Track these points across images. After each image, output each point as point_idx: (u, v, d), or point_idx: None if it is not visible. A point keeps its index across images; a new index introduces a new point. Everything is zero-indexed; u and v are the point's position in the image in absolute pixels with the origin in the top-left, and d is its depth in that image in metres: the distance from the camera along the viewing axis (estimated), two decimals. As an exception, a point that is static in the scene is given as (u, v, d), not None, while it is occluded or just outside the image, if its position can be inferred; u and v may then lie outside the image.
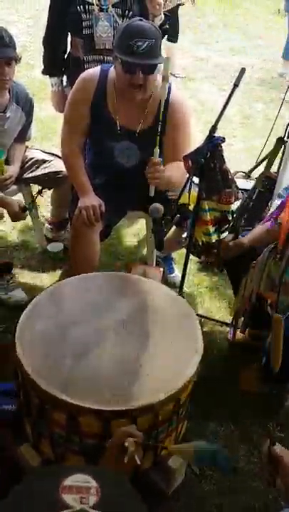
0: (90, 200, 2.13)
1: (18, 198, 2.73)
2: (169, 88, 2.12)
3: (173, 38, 5.06)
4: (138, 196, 2.13)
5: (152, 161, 2.00)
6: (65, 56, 2.59)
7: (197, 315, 1.79)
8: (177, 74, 5.36)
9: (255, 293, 1.97)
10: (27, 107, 2.45)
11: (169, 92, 2.11)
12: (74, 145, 2.23)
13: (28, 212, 2.43)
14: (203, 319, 2.36)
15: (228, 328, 2.38)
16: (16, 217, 2.35)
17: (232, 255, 2.13)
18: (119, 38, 1.95)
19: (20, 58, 2.25)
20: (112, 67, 2.07)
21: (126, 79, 1.98)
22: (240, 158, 3.90)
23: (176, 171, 2.08)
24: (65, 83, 2.66)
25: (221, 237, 2.21)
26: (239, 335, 2.29)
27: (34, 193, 2.53)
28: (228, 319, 2.43)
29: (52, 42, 2.56)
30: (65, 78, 2.65)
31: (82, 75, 2.18)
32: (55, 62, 2.61)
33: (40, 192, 2.47)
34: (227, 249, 2.13)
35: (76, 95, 2.18)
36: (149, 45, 1.90)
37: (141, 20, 1.97)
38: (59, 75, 2.63)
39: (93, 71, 2.16)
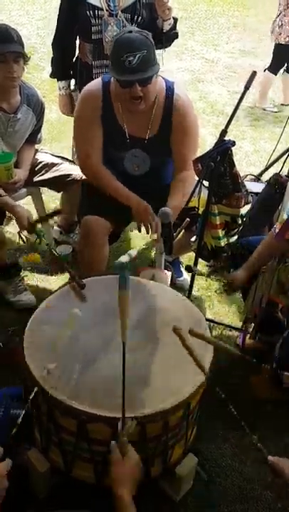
0: (141, 205, 2.07)
1: (27, 200, 2.74)
2: (173, 89, 2.10)
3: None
4: (147, 201, 2.12)
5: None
6: (73, 60, 2.59)
7: (206, 319, 1.78)
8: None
9: (265, 298, 1.95)
10: (38, 109, 2.45)
11: (172, 94, 2.09)
12: (98, 162, 2.16)
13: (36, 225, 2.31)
14: (212, 324, 2.34)
15: (237, 333, 2.36)
16: (23, 229, 2.32)
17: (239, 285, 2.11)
18: (111, 54, 1.93)
19: (29, 58, 2.24)
20: (112, 77, 2.04)
21: (125, 93, 1.96)
22: (250, 161, 3.88)
23: (179, 198, 2.06)
24: (72, 87, 2.66)
25: (230, 241, 2.19)
26: (249, 340, 2.27)
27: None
28: (238, 324, 2.41)
29: (61, 46, 2.56)
30: (73, 82, 2.65)
31: (85, 92, 2.15)
32: (63, 66, 2.61)
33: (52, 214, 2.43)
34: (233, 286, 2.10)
35: (85, 114, 2.14)
36: (141, 57, 1.86)
37: (130, 32, 1.91)
38: (67, 78, 2.64)
39: (95, 86, 2.12)
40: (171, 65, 5.43)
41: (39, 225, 2.27)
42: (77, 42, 2.54)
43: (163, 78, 2.12)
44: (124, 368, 1.26)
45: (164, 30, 2.39)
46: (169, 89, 2.10)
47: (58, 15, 2.50)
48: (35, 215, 2.69)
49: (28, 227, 2.18)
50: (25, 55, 2.19)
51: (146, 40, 1.90)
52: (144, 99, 1.98)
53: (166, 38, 2.44)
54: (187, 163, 2.09)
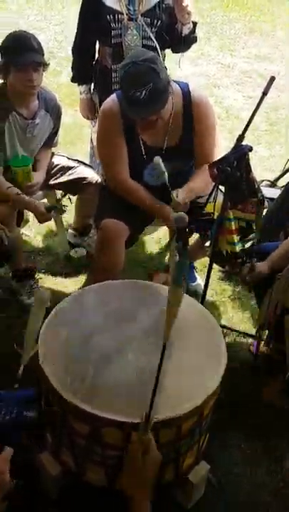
0: (168, 213, 2.09)
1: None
2: (188, 92, 2.11)
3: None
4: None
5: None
6: (93, 64, 2.61)
7: (220, 325, 1.76)
8: None
9: (280, 305, 1.93)
10: (55, 113, 2.47)
11: (190, 98, 2.10)
12: (127, 177, 2.17)
13: (53, 213, 2.38)
14: (226, 330, 2.32)
15: (250, 340, 2.34)
16: (42, 218, 2.33)
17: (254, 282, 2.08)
18: (120, 83, 1.97)
19: (48, 64, 2.25)
20: None
21: (140, 122, 2.00)
22: (266, 166, 3.86)
23: (199, 182, 2.08)
24: (92, 90, 2.67)
25: (246, 247, 2.18)
26: (263, 348, 2.24)
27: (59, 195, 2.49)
28: (251, 330, 2.39)
29: (81, 50, 2.58)
30: (92, 85, 2.66)
31: (103, 109, 2.17)
32: (84, 70, 2.63)
33: (65, 195, 2.44)
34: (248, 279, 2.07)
35: (107, 131, 2.15)
36: (148, 90, 1.87)
37: (134, 63, 1.89)
38: (88, 82, 2.65)
39: (111, 103, 2.13)
40: (187, 70, 5.43)
41: (53, 228, 2.29)
42: (97, 46, 2.55)
43: (177, 83, 2.13)
44: (161, 368, 1.23)
45: (183, 35, 2.40)
46: (185, 94, 2.11)
47: (78, 19, 2.52)
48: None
49: (46, 211, 2.27)
50: (45, 63, 2.20)
51: (152, 70, 1.88)
52: (159, 120, 2.01)
53: (185, 42, 2.44)
54: (209, 157, 2.11)
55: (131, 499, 1.16)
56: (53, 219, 2.67)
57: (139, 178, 2.17)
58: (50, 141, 2.54)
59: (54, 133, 2.53)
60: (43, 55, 2.21)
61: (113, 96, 2.15)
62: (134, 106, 1.92)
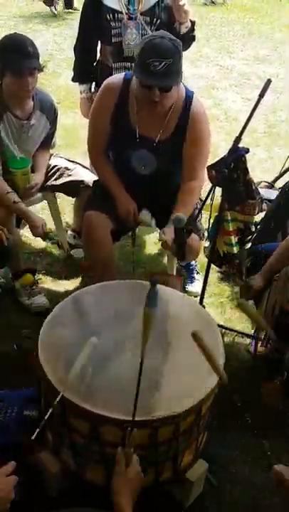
0: (125, 204, 2.20)
1: (43, 205, 2.78)
2: (191, 99, 2.13)
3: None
4: (155, 201, 2.15)
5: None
6: (95, 63, 2.63)
7: (218, 325, 1.78)
8: None
9: (278, 305, 1.94)
10: (51, 114, 2.48)
11: (190, 103, 2.12)
12: (99, 150, 2.27)
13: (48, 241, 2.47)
14: (224, 330, 2.34)
15: (249, 340, 2.36)
16: (36, 231, 2.34)
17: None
18: (139, 55, 1.96)
19: (43, 67, 2.27)
20: (134, 76, 2.08)
21: (143, 94, 2.00)
22: (264, 168, 3.88)
23: (183, 211, 2.05)
24: (93, 89, 2.70)
25: (244, 248, 2.20)
26: (261, 348, 2.26)
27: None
28: (250, 331, 2.41)
29: (82, 50, 2.61)
30: (93, 85, 2.69)
31: (106, 82, 2.21)
32: (85, 70, 2.66)
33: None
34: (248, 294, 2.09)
35: (99, 102, 2.21)
36: (166, 65, 1.89)
37: (162, 37, 1.93)
38: (88, 81, 2.68)
39: (117, 79, 2.18)
40: (186, 72, 5.46)
41: (52, 227, 2.31)
42: (99, 45, 2.58)
43: (185, 87, 2.15)
44: (140, 379, 1.28)
45: (181, 33, 2.42)
46: (188, 98, 2.13)
47: (80, 20, 2.56)
48: (50, 220, 2.74)
49: (42, 233, 2.27)
50: (40, 67, 2.23)
51: (176, 50, 1.93)
52: (160, 104, 2.01)
53: (184, 41, 2.46)
54: (196, 174, 2.13)
55: (115, 505, 1.25)
56: (52, 220, 2.70)
57: (127, 164, 2.21)
58: (48, 143, 2.55)
59: (51, 134, 2.54)
60: (38, 58, 2.23)
61: (121, 74, 2.20)
62: (149, 73, 1.92)
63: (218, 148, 3.50)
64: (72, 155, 2.93)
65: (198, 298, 2.21)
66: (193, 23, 2.45)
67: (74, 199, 2.75)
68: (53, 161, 2.63)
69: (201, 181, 2.19)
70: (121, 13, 2.39)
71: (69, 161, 2.67)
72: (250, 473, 1.84)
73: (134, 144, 2.17)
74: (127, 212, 2.20)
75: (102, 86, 2.21)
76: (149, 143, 2.16)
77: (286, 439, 1.94)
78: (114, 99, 2.14)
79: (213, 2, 8.76)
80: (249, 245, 2.17)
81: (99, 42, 2.57)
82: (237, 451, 1.90)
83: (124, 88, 2.13)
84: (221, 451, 1.88)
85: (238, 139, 1.85)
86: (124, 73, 2.21)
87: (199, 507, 1.68)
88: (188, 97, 2.13)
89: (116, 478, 1.29)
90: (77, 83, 2.73)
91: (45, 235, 2.33)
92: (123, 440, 1.34)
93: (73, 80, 2.73)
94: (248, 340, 2.38)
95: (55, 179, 2.59)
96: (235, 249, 2.16)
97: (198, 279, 2.71)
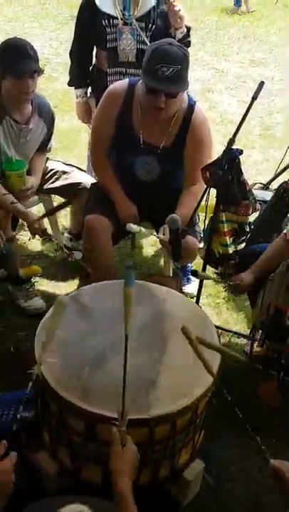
0: (126, 208, 2.22)
1: (39, 208, 2.79)
2: (193, 106, 2.15)
3: None
4: (156, 207, 2.16)
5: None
6: (90, 68, 2.65)
7: (214, 326, 1.79)
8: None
9: (273, 305, 1.96)
10: (49, 119, 2.50)
11: (192, 111, 2.14)
12: (101, 154, 2.29)
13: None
14: (220, 331, 2.35)
15: (245, 340, 2.37)
16: (34, 229, 2.32)
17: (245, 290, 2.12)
18: (146, 60, 1.99)
19: (42, 71, 2.29)
20: (140, 82, 2.10)
21: (149, 100, 2.02)
22: (259, 169, 3.90)
23: (184, 213, 2.08)
24: (89, 94, 2.72)
25: (238, 248, 2.21)
26: (257, 348, 2.27)
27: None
28: (246, 331, 2.42)
29: (78, 54, 2.63)
30: (89, 89, 2.71)
31: (110, 88, 2.23)
32: (81, 74, 2.68)
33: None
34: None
35: (103, 108, 2.23)
36: (174, 71, 1.92)
37: (170, 44, 1.97)
38: (84, 86, 2.70)
39: (121, 85, 2.20)
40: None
41: (49, 230, 2.32)
42: (95, 50, 2.60)
43: (188, 95, 2.18)
44: (126, 358, 1.31)
45: (177, 39, 2.44)
46: (190, 107, 2.15)
47: (75, 25, 2.58)
48: (46, 223, 2.75)
49: (40, 231, 2.26)
50: (40, 70, 2.24)
51: (184, 57, 1.97)
52: (165, 110, 2.04)
53: None
54: (198, 179, 2.14)
55: (115, 490, 1.21)
56: (48, 222, 2.71)
57: (129, 170, 2.22)
58: (45, 146, 2.57)
59: (48, 138, 2.56)
60: (38, 61, 2.26)
61: (125, 80, 2.22)
62: (157, 78, 1.94)
63: (214, 150, 3.52)
64: (69, 158, 2.95)
65: (194, 299, 2.22)
66: (188, 28, 2.48)
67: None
68: (49, 165, 2.65)
69: (202, 186, 2.21)
70: (116, 18, 2.41)
71: (66, 164, 2.69)
72: (248, 471, 1.85)
73: (137, 150, 2.20)
74: (128, 216, 2.20)
75: (106, 92, 2.23)
76: (152, 149, 2.18)
77: (283, 438, 1.95)
78: (118, 105, 2.16)
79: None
80: (243, 245, 2.18)
81: (95, 47, 2.59)
82: (234, 450, 1.91)
83: (128, 94, 2.15)
84: (218, 450, 1.89)
85: (231, 141, 1.87)
86: (128, 79, 2.23)
87: (197, 506, 1.69)
88: (191, 106, 2.16)
89: (113, 457, 1.25)
90: (73, 87, 2.74)
91: (43, 232, 2.33)
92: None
93: (69, 84, 2.75)
94: (244, 341, 2.39)
95: (52, 182, 2.61)
96: (230, 250, 2.17)
97: (195, 280, 2.73)
